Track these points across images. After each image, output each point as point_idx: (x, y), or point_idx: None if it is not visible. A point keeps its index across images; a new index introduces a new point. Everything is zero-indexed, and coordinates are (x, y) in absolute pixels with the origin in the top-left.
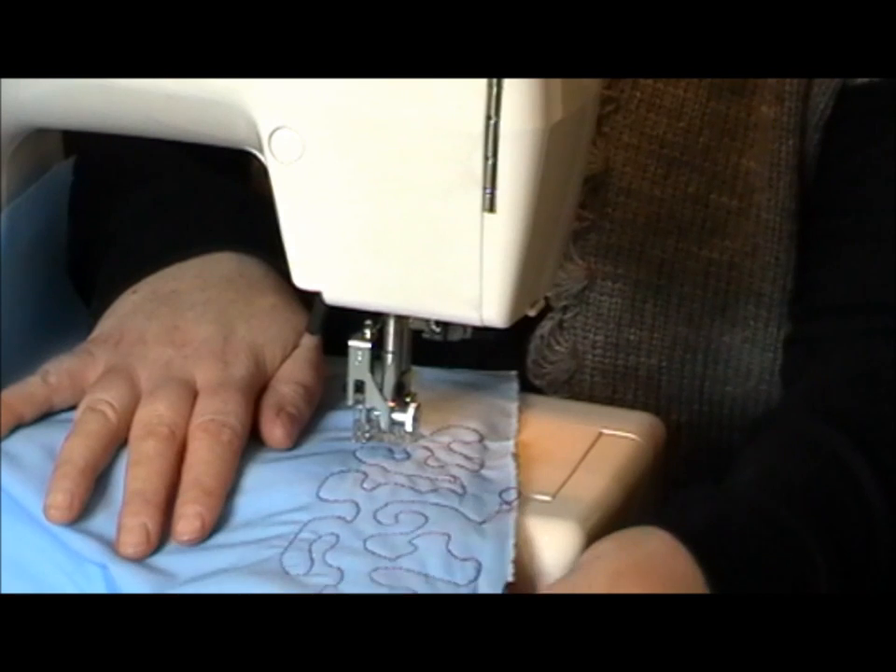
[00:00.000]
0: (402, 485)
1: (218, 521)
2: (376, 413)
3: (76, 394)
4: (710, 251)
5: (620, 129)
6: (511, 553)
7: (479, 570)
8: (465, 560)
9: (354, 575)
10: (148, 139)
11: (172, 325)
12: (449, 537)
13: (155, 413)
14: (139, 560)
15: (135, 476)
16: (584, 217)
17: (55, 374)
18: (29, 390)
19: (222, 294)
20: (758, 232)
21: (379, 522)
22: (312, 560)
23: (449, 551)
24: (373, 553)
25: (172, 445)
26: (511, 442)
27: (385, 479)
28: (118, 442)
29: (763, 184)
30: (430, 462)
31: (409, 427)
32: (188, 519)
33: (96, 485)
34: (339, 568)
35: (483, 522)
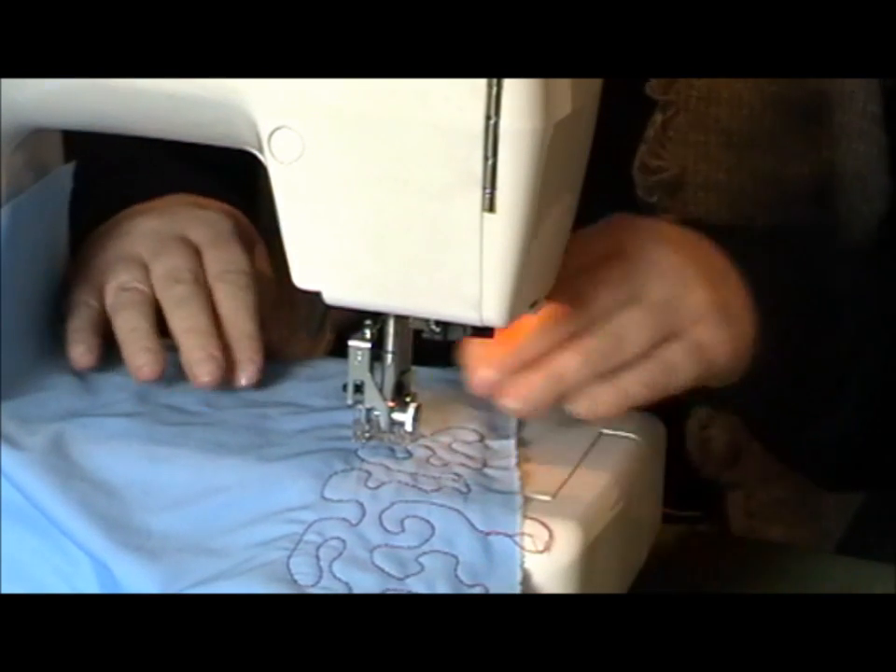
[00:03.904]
0: (406, 484)
1: (222, 518)
2: (376, 413)
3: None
4: (795, 218)
5: (685, 130)
6: (518, 575)
7: (486, 593)
8: (473, 586)
9: (362, 593)
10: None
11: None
12: (457, 560)
13: (171, 264)
14: (212, 386)
15: (181, 317)
16: (668, 220)
17: (88, 296)
18: (88, 316)
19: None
20: (839, 191)
21: (385, 529)
22: (320, 569)
23: (457, 576)
24: (381, 570)
25: (200, 289)
26: (513, 441)
27: (388, 477)
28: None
29: (841, 148)
30: (433, 461)
31: (409, 427)
32: (243, 364)
33: (97, 484)
34: (347, 583)
35: (490, 533)
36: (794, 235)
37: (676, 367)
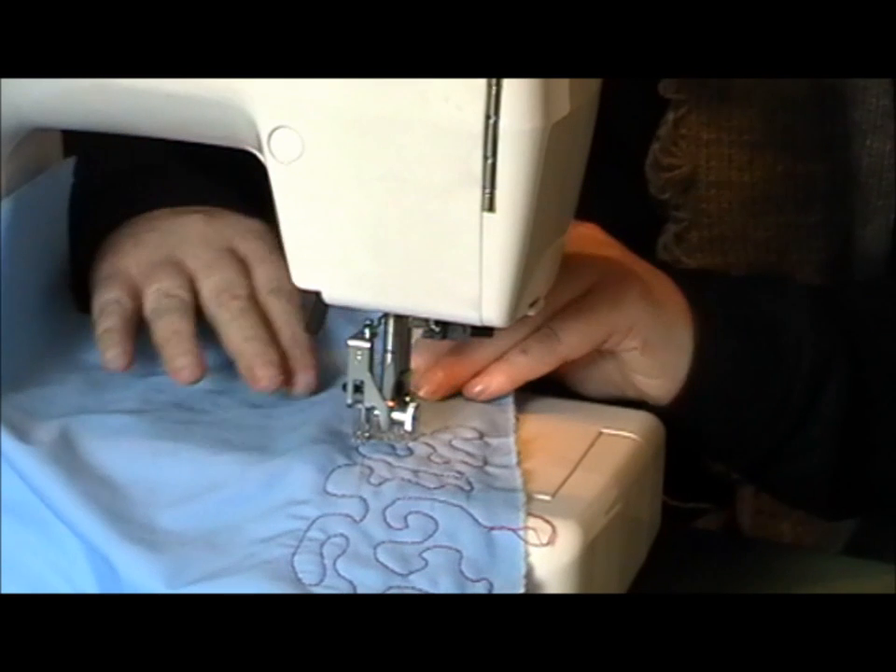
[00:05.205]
0: (409, 480)
1: (225, 514)
2: (376, 412)
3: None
4: (808, 216)
5: (697, 128)
6: (522, 569)
7: (490, 589)
8: (477, 581)
9: (366, 590)
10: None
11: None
12: (461, 554)
13: (225, 279)
14: (271, 390)
15: (240, 327)
16: (681, 219)
17: (122, 294)
18: (122, 316)
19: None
20: (854, 188)
21: (389, 525)
22: (324, 567)
23: (461, 571)
24: (385, 567)
25: (254, 304)
26: (512, 439)
27: (390, 473)
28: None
29: (855, 144)
30: (434, 458)
31: (408, 427)
32: (301, 372)
33: (102, 481)
34: (350, 581)
35: (493, 528)
36: (753, 281)
37: (555, 331)
